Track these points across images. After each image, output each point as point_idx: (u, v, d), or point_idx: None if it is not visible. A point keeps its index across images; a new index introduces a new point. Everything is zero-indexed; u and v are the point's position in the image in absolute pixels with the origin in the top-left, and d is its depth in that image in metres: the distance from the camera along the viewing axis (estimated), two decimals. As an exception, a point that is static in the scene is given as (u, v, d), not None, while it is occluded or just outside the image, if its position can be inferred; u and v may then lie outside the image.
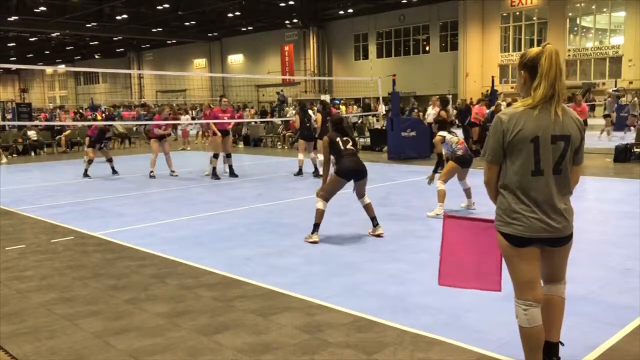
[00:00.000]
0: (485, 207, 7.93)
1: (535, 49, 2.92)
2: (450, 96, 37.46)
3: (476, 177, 10.99)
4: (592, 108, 27.86)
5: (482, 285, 3.31)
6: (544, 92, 2.84)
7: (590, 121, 18.42)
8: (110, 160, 13.36)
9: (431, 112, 16.79)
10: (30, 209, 8.94)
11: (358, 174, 6.72)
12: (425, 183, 9.03)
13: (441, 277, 3.36)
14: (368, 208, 6.78)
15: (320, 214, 6.54)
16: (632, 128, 20.41)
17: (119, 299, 4.70)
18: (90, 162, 12.92)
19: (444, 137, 8.01)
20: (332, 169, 6.71)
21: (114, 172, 13.18)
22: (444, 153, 8.11)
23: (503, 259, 3.11)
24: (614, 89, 25.34)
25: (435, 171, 8.21)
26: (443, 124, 8.37)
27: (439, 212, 7.68)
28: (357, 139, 20.25)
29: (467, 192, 8.13)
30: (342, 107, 30.10)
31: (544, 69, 2.84)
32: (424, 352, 3.56)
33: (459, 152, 7.83)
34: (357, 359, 3.51)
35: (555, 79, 2.84)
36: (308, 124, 12.39)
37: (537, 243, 2.93)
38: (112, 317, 4.30)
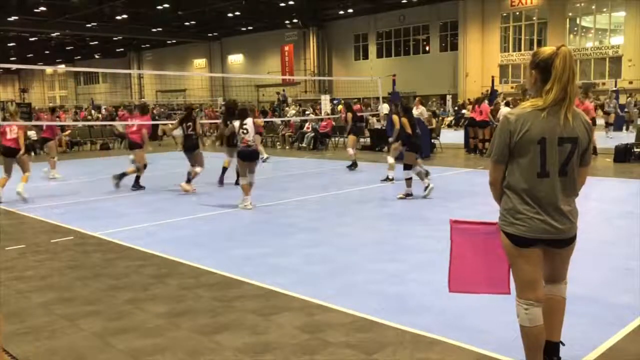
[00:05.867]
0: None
1: (548, 50, 2.87)
2: (451, 96, 37.64)
3: (479, 176, 10.99)
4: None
5: (492, 290, 3.29)
6: (556, 95, 2.81)
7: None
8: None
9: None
10: (30, 209, 8.94)
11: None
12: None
13: (451, 284, 3.32)
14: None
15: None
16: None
17: (119, 299, 4.70)
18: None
19: None
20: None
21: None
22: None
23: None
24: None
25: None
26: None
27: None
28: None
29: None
30: (340, 107, 29.98)
31: (558, 72, 2.80)
32: (424, 352, 3.56)
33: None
34: (357, 359, 3.51)
35: (567, 83, 2.80)
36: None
37: (540, 244, 2.93)
38: (112, 317, 4.29)
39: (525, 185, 2.90)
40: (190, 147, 10.36)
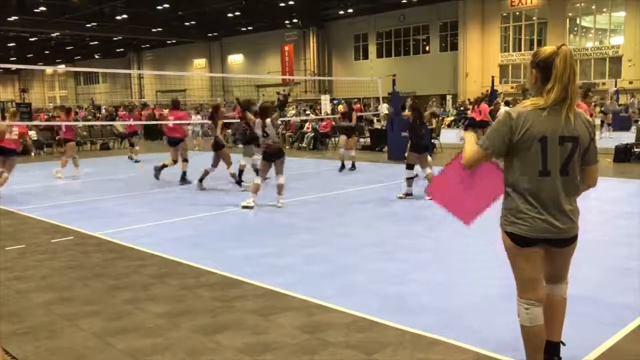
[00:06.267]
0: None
1: (549, 49, 2.87)
2: (451, 96, 37.63)
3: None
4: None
5: (457, 213, 3.30)
6: (557, 95, 2.80)
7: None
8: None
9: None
10: (30, 209, 8.94)
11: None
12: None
13: (431, 188, 3.44)
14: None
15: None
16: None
17: (119, 299, 4.70)
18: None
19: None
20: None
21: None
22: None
23: (492, 205, 3.15)
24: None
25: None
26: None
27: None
28: (357, 139, 20.30)
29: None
30: (340, 107, 29.88)
31: (559, 71, 2.80)
32: (424, 352, 3.56)
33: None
34: (357, 359, 3.51)
35: (568, 82, 2.80)
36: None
37: (541, 243, 2.93)
38: (112, 317, 4.29)
39: (527, 184, 2.89)
40: (214, 146, 10.47)
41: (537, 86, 2.92)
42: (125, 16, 44.33)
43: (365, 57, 46.90)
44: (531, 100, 2.92)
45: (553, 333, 3.12)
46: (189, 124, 19.76)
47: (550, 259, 3.05)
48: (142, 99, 56.32)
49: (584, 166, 2.97)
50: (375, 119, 23.53)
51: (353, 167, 13.16)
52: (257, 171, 9.38)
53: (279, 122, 15.16)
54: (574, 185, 2.94)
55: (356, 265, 5.53)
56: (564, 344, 3.17)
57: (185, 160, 11.49)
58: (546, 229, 2.88)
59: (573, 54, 2.87)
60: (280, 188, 8.61)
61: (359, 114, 19.12)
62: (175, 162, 11.48)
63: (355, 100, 24.98)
